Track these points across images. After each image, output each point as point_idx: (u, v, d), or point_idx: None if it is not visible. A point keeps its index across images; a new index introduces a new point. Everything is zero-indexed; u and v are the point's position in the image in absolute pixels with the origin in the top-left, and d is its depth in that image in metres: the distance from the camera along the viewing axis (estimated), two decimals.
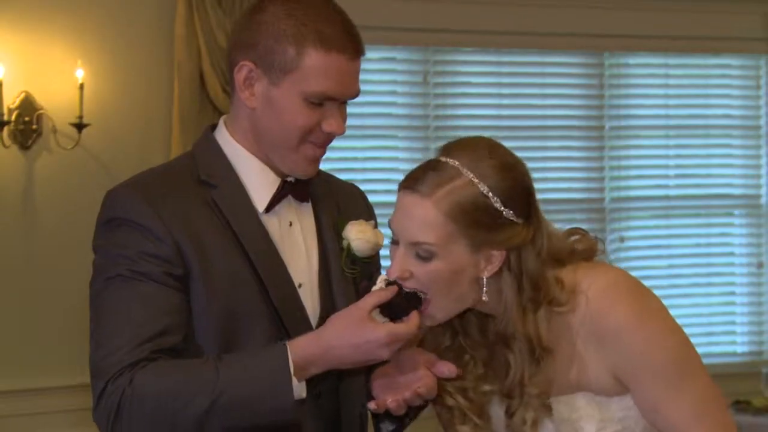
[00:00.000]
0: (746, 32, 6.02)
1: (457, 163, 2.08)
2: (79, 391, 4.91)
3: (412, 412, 2.22)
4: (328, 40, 2.13)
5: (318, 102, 2.15)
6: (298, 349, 2.05)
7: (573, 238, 2.18)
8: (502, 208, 2.07)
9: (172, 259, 2.10)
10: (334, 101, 2.17)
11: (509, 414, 2.15)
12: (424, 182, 2.08)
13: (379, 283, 2.09)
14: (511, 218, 2.08)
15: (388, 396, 2.13)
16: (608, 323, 2.08)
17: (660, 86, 6.02)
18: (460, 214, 2.06)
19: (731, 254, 6.20)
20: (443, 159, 2.10)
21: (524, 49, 5.76)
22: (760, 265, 6.15)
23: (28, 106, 4.87)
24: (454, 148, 2.12)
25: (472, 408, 2.20)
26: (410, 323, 2.06)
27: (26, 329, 4.88)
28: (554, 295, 2.11)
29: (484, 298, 2.10)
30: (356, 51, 2.17)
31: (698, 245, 6.13)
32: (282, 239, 2.22)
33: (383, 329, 2.03)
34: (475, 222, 2.06)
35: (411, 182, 2.10)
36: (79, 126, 4.85)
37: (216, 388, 2.01)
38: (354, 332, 2.03)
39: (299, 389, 2.04)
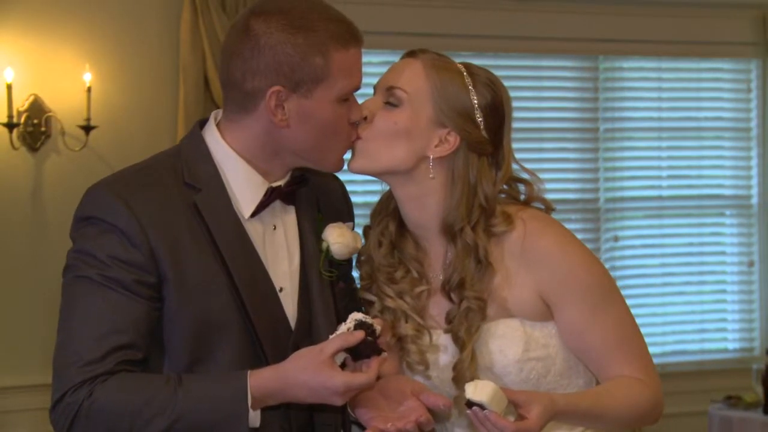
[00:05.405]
0: (737, 36, 6.09)
1: (457, 62, 2.27)
2: None
3: None
4: (341, 38, 2.12)
5: (346, 98, 2.16)
6: (258, 381, 2.02)
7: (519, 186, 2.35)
8: (477, 109, 2.24)
9: (145, 266, 2.06)
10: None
11: (449, 320, 2.23)
12: (423, 51, 2.26)
13: (349, 322, 2.05)
14: (479, 123, 2.24)
15: (387, 423, 2.09)
16: (540, 243, 2.22)
17: (653, 89, 6.09)
18: (439, 81, 2.22)
19: (723, 253, 6.26)
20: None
21: (520, 53, 5.81)
22: (750, 264, 6.21)
23: (37, 108, 4.94)
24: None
25: (414, 307, 2.27)
26: (369, 373, 2.03)
27: (33, 328, 4.93)
28: (496, 221, 2.24)
29: (430, 176, 2.23)
30: (360, 38, 2.17)
31: (690, 244, 6.19)
32: (265, 244, 2.18)
33: (340, 379, 2.00)
34: (450, 96, 2.22)
35: (411, 51, 2.27)
36: (87, 128, 4.93)
37: (174, 411, 2.00)
38: (312, 375, 2.00)
39: (254, 418, 2.03)
